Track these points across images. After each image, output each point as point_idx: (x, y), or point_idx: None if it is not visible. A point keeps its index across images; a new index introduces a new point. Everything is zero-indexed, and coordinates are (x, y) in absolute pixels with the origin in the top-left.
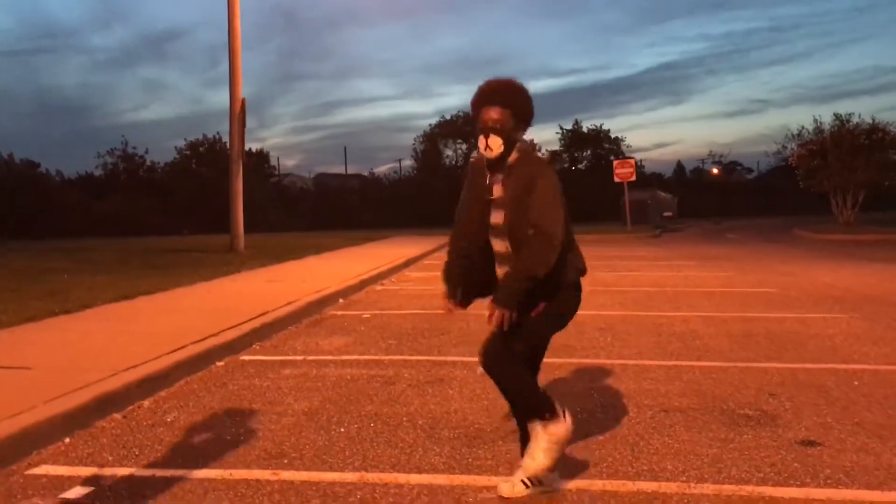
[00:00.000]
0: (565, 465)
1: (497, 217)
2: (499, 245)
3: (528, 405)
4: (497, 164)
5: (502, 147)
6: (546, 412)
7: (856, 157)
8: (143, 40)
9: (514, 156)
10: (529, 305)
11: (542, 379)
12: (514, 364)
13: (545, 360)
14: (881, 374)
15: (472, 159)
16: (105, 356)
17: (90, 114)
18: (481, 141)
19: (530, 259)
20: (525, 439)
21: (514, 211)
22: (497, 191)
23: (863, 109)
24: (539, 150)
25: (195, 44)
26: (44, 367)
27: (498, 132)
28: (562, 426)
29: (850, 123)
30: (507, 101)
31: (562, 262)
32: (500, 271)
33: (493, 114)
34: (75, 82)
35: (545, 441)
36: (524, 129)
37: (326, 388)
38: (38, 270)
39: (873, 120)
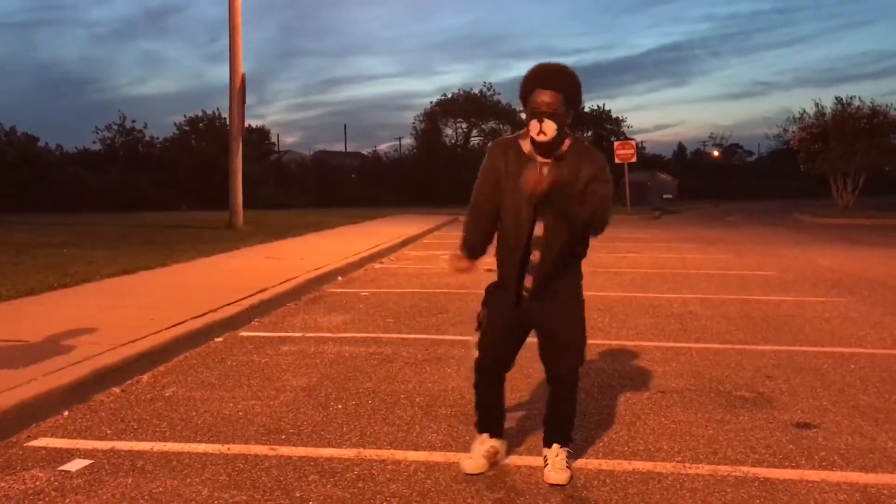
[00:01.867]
0: None
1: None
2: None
3: (572, 420)
4: (547, 148)
5: (556, 132)
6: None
7: (857, 142)
8: (143, 14)
9: (567, 142)
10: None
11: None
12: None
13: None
14: (877, 358)
15: (501, 140)
16: (104, 330)
17: (90, 88)
18: (534, 125)
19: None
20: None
21: (559, 198)
22: (550, 173)
23: (866, 93)
24: None
25: (195, 18)
26: (42, 341)
27: (552, 116)
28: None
29: (852, 107)
30: (560, 85)
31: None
32: (533, 254)
33: (547, 97)
34: (75, 56)
35: (566, 456)
36: (571, 116)
37: (325, 365)
38: (37, 244)
39: (873, 103)
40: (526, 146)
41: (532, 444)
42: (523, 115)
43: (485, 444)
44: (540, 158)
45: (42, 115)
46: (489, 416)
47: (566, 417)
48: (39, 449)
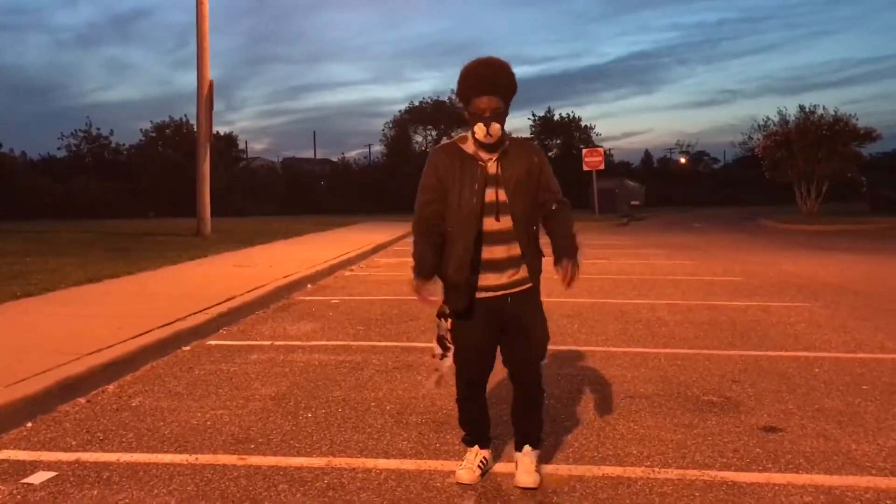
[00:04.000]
0: None
1: (498, 195)
2: (496, 223)
3: (541, 420)
4: (495, 146)
5: (500, 132)
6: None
7: (819, 149)
8: (109, 19)
9: (507, 141)
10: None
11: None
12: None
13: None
14: (841, 362)
15: (441, 146)
16: (69, 340)
17: (54, 94)
18: (480, 128)
19: (570, 221)
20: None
21: (520, 190)
22: (493, 168)
23: (829, 101)
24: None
25: (162, 24)
26: (6, 350)
27: (496, 118)
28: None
29: (815, 115)
30: (502, 90)
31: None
32: (492, 251)
33: (492, 103)
34: (39, 61)
35: (535, 459)
36: (509, 105)
37: (294, 374)
38: (0, 252)
39: (835, 112)
40: (469, 147)
41: (500, 450)
42: (466, 115)
43: (478, 455)
44: (485, 156)
45: (5, 122)
46: (478, 430)
47: (537, 418)
48: (1, 462)
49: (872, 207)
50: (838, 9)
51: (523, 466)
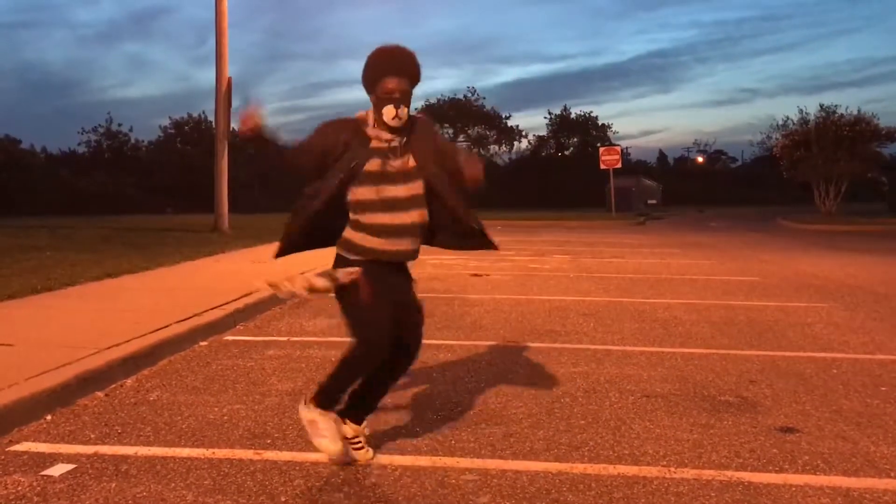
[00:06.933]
0: (548, 448)
1: (410, 189)
2: (398, 217)
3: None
4: (401, 130)
5: (408, 115)
6: None
7: (839, 149)
8: (129, 16)
9: (412, 125)
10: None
11: (529, 362)
12: None
13: (531, 343)
14: (860, 363)
15: (349, 123)
16: (88, 334)
17: (75, 90)
18: (390, 110)
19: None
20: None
21: (438, 173)
22: (404, 163)
23: (850, 101)
24: (526, 136)
25: (182, 21)
26: (26, 344)
27: (405, 101)
28: None
29: (835, 115)
30: (406, 70)
31: None
32: (388, 243)
33: (402, 85)
34: (60, 57)
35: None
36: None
37: (310, 369)
38: (21, 248)
39: (858, 111)
40: (371, 131)
41: (505, 448)
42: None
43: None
44: (387, 136)
45: (26, 117)
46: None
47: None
48: (22, 453)
49: (892, 208)
50: (860, 7)
51: (365, 440)
